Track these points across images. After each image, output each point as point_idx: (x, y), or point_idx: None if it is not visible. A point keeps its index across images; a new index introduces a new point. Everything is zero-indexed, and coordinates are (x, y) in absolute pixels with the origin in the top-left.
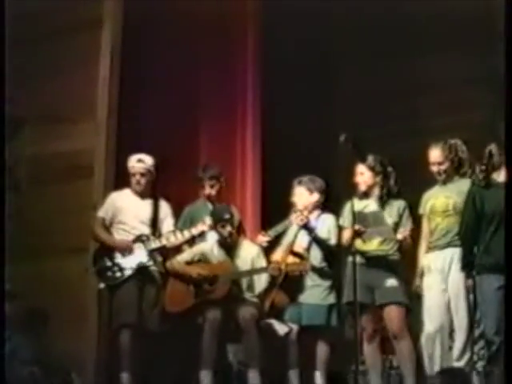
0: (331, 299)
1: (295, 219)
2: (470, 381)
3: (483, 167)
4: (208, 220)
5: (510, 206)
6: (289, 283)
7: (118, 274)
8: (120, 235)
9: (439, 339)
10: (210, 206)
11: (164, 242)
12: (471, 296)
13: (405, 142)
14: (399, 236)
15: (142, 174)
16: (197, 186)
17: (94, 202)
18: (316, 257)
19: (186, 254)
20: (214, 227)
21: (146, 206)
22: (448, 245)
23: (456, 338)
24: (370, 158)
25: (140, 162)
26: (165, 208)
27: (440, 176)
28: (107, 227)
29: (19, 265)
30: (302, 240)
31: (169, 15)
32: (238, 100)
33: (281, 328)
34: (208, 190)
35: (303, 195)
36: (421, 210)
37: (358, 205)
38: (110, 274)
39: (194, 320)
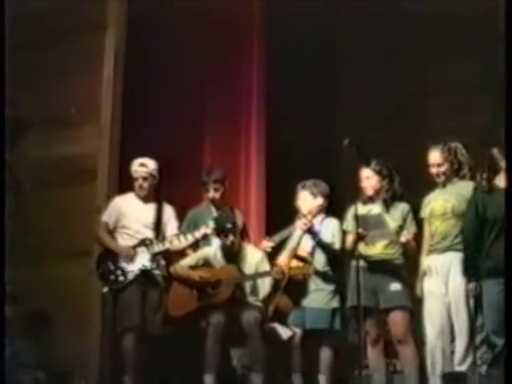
0: (335, 303)
1: (299, 224)
2: None
3: (485, 174)
4: (211, 224)
5: (511, 210)
6: (292, 287)
7: (122, 278)
8: (124, 239)
9: (440, 343)
10: (213, 210)
11: (167, 245)
12: (472, 300)
13: (407, 146)
14: (402, 239)
15: (145, 178)
16: (201, 189)
17: (97, 205)
18: (320, 261)
19: (190, 259)
20: (217, 234)
21: (149, 209)
22: (448, 248)
23: (457, 342)
24: (375, 162)
25: (143, 166)
26: (168, 212)
27: (439, 178)
28: (111, 231)
29: (23, 268)
30: (306, 244)
31: (173, 18)
32: (243, 104)
33: (284, 332)
34: (212, 194)
35: (307, 199)
36: (422, 214)
37: (363, 209)
38: (113, 277)
39: (198, 324)
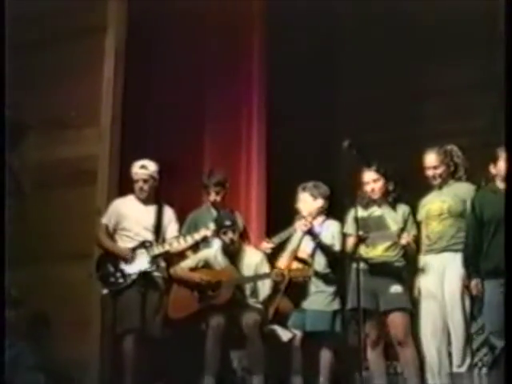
0: (335, 305)
1: (299, 226)
2: None
3: (489, 173)
4: (212, 226)
5: (510, 210)
6: (293, 289)
7: (121, 280)
8: (124, 242)
9: (437, 344)
10: (214, 212)
11: (167, 247)
12: (467, 302)
13: (407, 148)
14: (403, 241)
15: (145, 181)
16: (201, 192)
17: (97, 207)
18: (320, 263)
19: (190, 261)
20: (216, 234)
21: (149, 212)
22: (444, 249)
23: (454, 344)
24: (376, 164)
25: (143, 169)
26: (168, 214)
27: (435, 180)
28: (111, 234)
29: (23, 270)
30: (307, 246)
31: (173, 19)
32: (243, 106)
33: (284, 334)
34: (213, 197)
35: (307, 201)
36: (418, 217)
37: (364, 212)
38: (113, 279)
39: (198, 326)
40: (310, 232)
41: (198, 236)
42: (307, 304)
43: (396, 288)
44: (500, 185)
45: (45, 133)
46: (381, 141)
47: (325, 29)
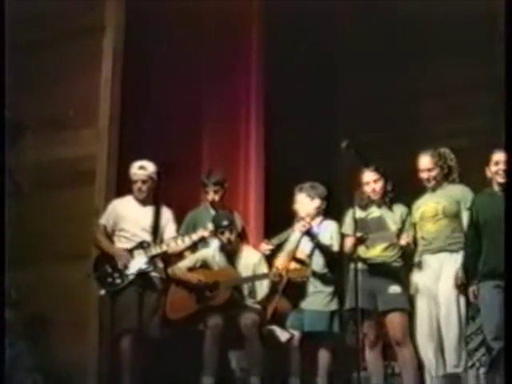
0: (333, 305)
1: (298, 227)
2: None
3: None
4: (210, 226)
5: (510, 212)
6: (291, 289)
7: (119, 281)
8: (121, 242)
9: (434, 345)
10: (212, 212)
11: (165, 248)
12: (462, 301)
13: (405, 148)
14: (402, 242)
15: (144, 181)
16: (199, 191)
17: (95, 208)
18: (318, 263)
19: (188, 261)
20: (214, 234)
21: (147, 213)
22: (440, 249)
23: (451, 344)
24: (376, 165)
25: (142, 169)
26: (167, 215)
27: (429, 183)
28: (109, 235)
29: (20, 271)
30: (305, 246)
31: (171, 19)
32: (241, 106)
33: (282, 334)
34: (212, 196)
35: (304, 202)
36: (412, 219)
37: (362, 212)
38: (110, 280)
39: (196, 326)
40: (308, 232)
41: (195, 236)
42: (305, 304)
43: (394, 288)
44: (496, 187)
45: (43, 133)
46: (379, 141)
47: (324, 29)
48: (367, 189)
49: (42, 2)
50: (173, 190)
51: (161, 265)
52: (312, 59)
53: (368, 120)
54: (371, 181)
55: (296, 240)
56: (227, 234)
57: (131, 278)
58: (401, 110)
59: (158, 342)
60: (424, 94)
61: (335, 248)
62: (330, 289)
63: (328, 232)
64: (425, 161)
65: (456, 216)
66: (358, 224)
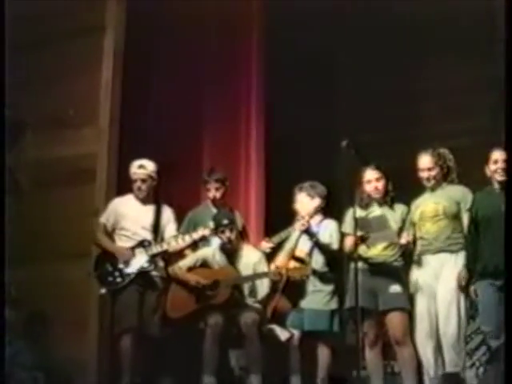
0: (333, 304)
1: (298, 226)
2: None
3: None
4: (211, 224)
5: (510, 211)
6: (291, 289)
7: (119, 279)
8: (122, 241)
9: (431, 343)
10: (213, 210)
11: (165, 246)
12: (462, 301)
13: (406, 148)
14: (402, 240)
15: (144, 180)
16: (200, 190)
17: (96, 207)
18: (318, 262)
19: (188, 260)
20: (215, 232)
21: (148, 211)
22: (440, 249)
23: (450, 344)
24: (377, 164)
25: (142, 168)
26: (167, 213)
27: (429, 182)
28: (109, 233)
29: (21, 269)
30: (304, 245)
31: (172, 19)
32: (242, 105)
33: (282, 333)
34: (213, 193)
35: (304, 201)
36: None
37: (363, 211)
38: (111, 279)
39: (196, 325)
40: (308, 231)
41: (196, 235)
42: (305, 303)
43: (395, 288)
44: (495, 185)
45: (43, 132)
46: (379, 141)
47: (324, 29)
48: (368, 187)
49: (43, 1)
50: (174, 189)
51: (161, 264)
52: (312, 59)
53: (368, 120)
54: (373, 179)
55: (295, 239)
56: (228, 233)
57: (132, 276)
58: (401, 110)
59: (158, 341)
60: (424, 94)
61: (334, 247)
62: (329, 288)
63: (328, 231)
64: (425, 160)
65: (456, 217)
66: (358, 223)
